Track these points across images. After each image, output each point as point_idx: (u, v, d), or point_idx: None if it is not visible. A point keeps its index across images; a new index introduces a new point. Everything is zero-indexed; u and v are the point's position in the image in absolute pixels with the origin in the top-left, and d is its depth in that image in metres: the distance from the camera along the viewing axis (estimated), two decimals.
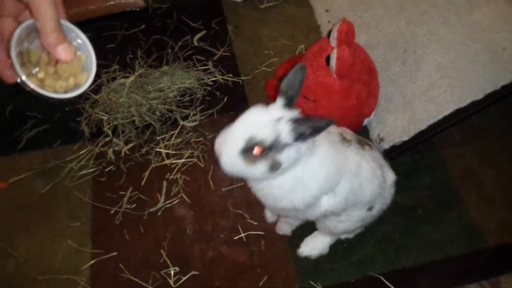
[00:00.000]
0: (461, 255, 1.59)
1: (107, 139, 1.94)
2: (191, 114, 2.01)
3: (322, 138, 1.22)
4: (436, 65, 1.87)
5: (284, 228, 1.65)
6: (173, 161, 1.87)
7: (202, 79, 2.13)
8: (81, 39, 0.80)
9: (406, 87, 1.90)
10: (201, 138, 1.94)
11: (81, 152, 1.90)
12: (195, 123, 1.99)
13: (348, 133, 1.41)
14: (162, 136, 1.94)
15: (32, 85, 0.73)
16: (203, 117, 2.01)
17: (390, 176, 1.46)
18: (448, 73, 1.83)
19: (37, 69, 0.76)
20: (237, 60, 2.23)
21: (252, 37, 2.33)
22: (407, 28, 2.04)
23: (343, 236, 1.60)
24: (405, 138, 1.79)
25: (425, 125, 1.77)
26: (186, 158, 1.88)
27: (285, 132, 1.09)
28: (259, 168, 1.12)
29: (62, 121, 2.01)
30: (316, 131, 1.09)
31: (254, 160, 1.11)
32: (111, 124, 1.97)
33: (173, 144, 1.92)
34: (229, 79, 2.15)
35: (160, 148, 1.91)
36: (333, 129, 1.36)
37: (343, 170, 1.28)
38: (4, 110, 2.07)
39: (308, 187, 1.23)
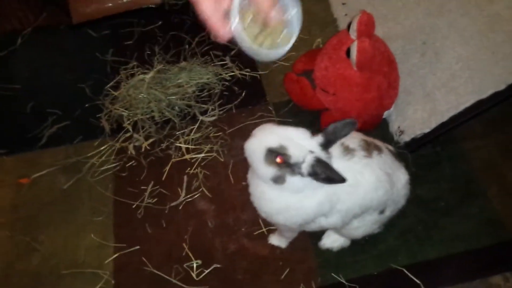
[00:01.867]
0: (484, 247, 1.58)
1: (128, 134, 1.95)
2: (210, 109, 2.02)
3: None
4: (457, 56, 1.86)
5: (276, 241, 1.64)
6: (193, 156, 1.88)
7: (220, 74, 2.14)
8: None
9: (426, 79, 1.89)
10: (220, 133, 1.95)
11: (102, 148, 1.92)
12: (213, 117, 2.00)
13: (355, 140, 1.37)
14: (182, 131, 1.95)
15: (250, 44, 0.78)
16: (221, 112, 2.02)
17: (402, 178, 1.43)
18: (469, 64, 1.83)
19: (248, 25, 0.80)
20: None
21: None
22: (426, 20, 2.03)
23: None
24: (426, 130, 1.78)
25: (446, 116, 1.77)
26: (205, 153, 1.89)
27: (307, 164, 1.18)
28: (267, 171, 1.21)
29: (83, 117, 2.04)
30: (328, 180, 1.17)
31: (270, 162, 1.19)
32: (131, 119, 1.98)
33: (192, 139, 1.93)
34: (247, 74, 2.15)
35: (180, 143, 1.92)
36: None
37: (338, 199, 1.31)
38: (25, 107, 2.10)
39: (297, 213, 1.31)
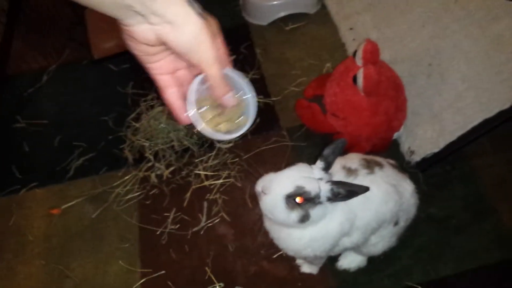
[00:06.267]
0: (497, 263, 1.62)
1: (150, 164, 2.06)
2: None
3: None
4: (462, 77, 1.92)
5: (308, 269, 1.70)
6: (212, 182, 1.97)
7: None
8: (245, 86, 0.87)
9: (433, 100, 1.96)
10: (237, 159, 2.04)
11: (126, 178, 2.03)
12: (230, 144, 2.09)
13: (355, 160, 1.43)
14: (200, 159, 2.05)
15: (206, 128, 0.83)
16: (237, 138, 2.12)
17: (408, 188, 1.47)
18: (474, 84, 1.89)
19: (205, 110, 0.85)
20: (267, 81, 2.33)
21: (279, 58, 2.43)
22: (431, 42, 2.10)
23: None
24: (435, 150, 1.84)
25: (454, 136, 1.82)
26: (224, 179, 1.98)
27: (324, 191, 1.22)
28: (293, 216, 1.24)
29: (107, 149, 2.16)
30: (351, 194, 1.22)
31: (292, 207, 1.23)
32: (152, 149, 2.09)
33: (211, 166, 2.03)
34: (260, 100, 2.24)
35: (199, 170, 2.01)
36: (336, 165, 1.38)
37: (355, 216, 1.36)
38: (53, 141, 2.23)
39: (323, 241, 1.35)
